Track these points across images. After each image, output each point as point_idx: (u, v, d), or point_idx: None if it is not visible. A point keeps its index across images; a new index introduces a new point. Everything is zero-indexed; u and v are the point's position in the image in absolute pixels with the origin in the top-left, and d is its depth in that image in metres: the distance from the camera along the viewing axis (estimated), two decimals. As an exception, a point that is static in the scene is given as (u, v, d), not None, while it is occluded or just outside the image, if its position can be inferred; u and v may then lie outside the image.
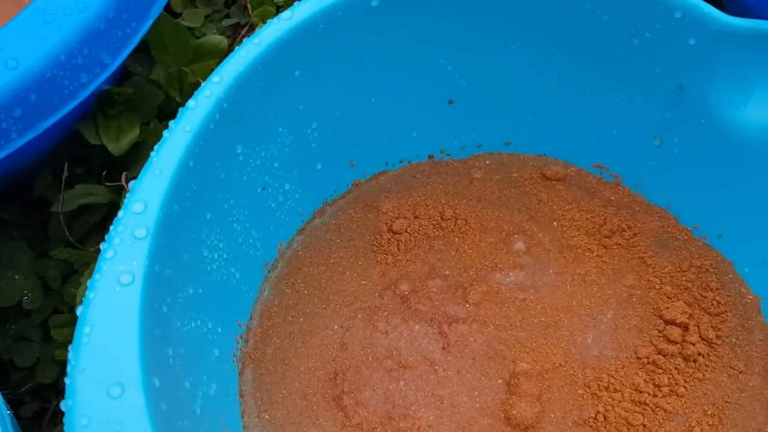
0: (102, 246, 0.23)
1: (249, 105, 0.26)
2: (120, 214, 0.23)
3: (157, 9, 0.29)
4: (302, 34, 0.26)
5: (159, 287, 0.23)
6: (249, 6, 0.42)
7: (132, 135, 0.37)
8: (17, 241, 0.37)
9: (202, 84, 0.25)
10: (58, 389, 0.37)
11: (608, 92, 0.32)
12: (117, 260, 0.22)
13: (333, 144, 0.32)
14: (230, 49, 0.42)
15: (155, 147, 0.24)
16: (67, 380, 0.21)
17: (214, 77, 0.25)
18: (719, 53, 0.28)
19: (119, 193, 0.37)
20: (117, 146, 0.36)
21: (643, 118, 0.32)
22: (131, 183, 0.24)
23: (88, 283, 0.22)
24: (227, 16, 0.43)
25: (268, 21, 0.26)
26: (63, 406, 0.21)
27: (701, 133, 0.30)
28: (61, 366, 0.36)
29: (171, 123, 0.24)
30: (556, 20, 0.30)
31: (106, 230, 0.38)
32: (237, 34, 0.42)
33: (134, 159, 0.38)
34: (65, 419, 0.21)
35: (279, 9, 0.42)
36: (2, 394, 0.26)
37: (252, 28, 0.42)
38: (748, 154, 0.29)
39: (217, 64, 0.40)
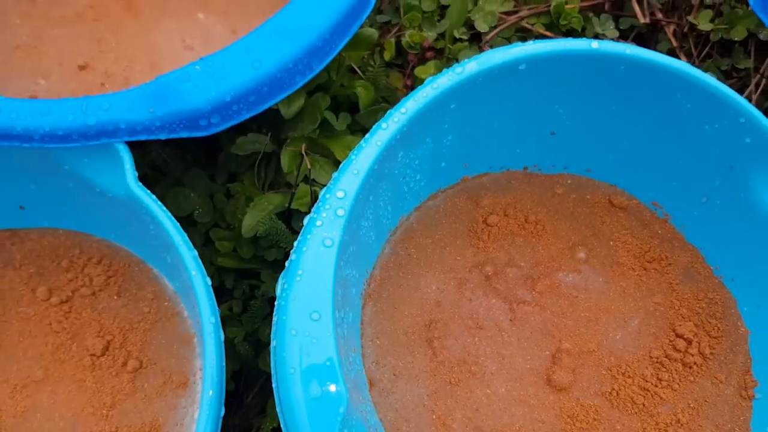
0: (311, 217, 0.33)
1: (416, 128, 0.36)
2: (326, 196, 0.33)
3: (356, 28, 0.39)
4: (466, 83, 0.36)
5: (343, 249, 0.33)
6: (401, 8, 0.51)
7: (299, 103, 0.47)
8: (198, 169, 0.48)
9: (391, 110, 0.35)
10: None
11: (676, 155, 0.41)
12: (323, 228, 0.33)
13: (457, 150, 0.42)
14: (379, 40, 0.51)
15: (354, 151, 0.34)
16: (280, 302, 0.32)
17: (402, 108, 0.35)
18: (765, 152, 0.37)
19: (280, 146, 0.48)
20: (288, 111, 0.46)
21: (698, 180, 0.41)
22: (333, 174, 0.34)
23: (298, 240, 0.33)
24: (380, 11, 0.52)
25: (445, 70, 0.36)
26: (275, 318, 0.32)
27: (738, 203, 0.40)
28: (219, 270, 0.47)
29: (367, 136, 0.34)
30: (652, 99, 0.39)
31: (260, 170, 0.49)
32: (387, 30, 0.52)
33: (297, 120, 0.48)
34: (276, 329, 0.32)
35: (424, 14, 0.51)
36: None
37: (401, 28, 0.51)
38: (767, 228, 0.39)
39: (367, 51, 0.49)
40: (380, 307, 0.41)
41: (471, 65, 0.36)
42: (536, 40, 0.37)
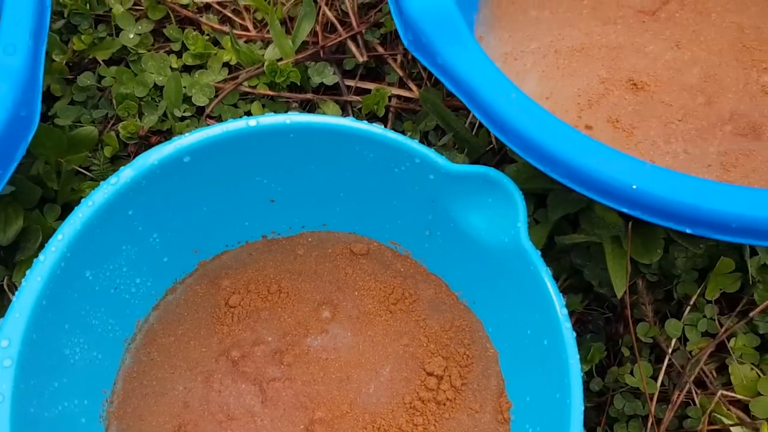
0: (-21, 373, 0.31)
1: (91, 246, 0.35)
2: (-10, 348, 0.32)
3: (20, 155, 0.37)
4: (128, 191, 0.35)
5: (25, 397, 0.32)
6: (114, 100, 0.49)
7: (17, 225, 0.45)
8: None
9: (49, 241, 0.33)
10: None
11: (388, 196, 0.41)
12: (-11, 386, 0.31)
13: (175, 242, 0.41)
14: (100, 136, 0.50)
15: (17, 292, 0.33)
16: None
17: (58, 235, 0.33)
18: (448, 184, 0.38)
19: (11, 274, 0.46)
20: (4, 237, 0.44)
21: (415, 216, 0.41)
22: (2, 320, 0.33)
23: (-30, 400, 0.31)
24: (96, 106, 0.50)
25: (102, 183, 0.34)
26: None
27: (451, 231, 0.40)
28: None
29: (27, 272, 0.33)
30: (339, 154, 0.39)
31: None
32: (107, 123, 0.50)
33: (23, 241, 0.45)
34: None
35: (142, 100, 0.50)
36: None
37: (119, 119, 0.49)
38: (479, 250, 0.39)
39: (89, 150, 0.48)
40: (126, 423, 0.39)
41: (126, 172, 0.35)
42: (194, 131, 0.36)
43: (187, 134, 0.36)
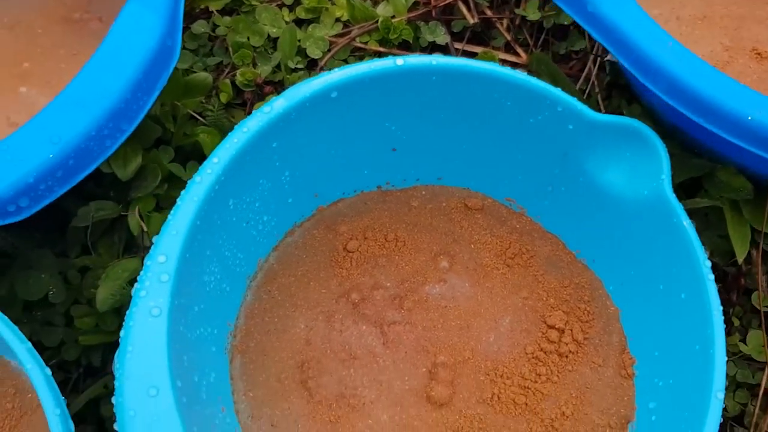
0: (136, 287, 0.32)
1: (239, 174, 0.35)
2: (148, 263, 0.32)
3: (162, 84, 0.37)
4: (278, 121, 0.35)
5: (177, 314, 0.32)
6: (230, 47, 0.50)
7: (136, 162, 0.45)
8: (43, 249, 0.45)
9: (205, 163, 0.34)
10: (78, 364, 0.46)
11: (514, 149, 0.41)
12: (148, 298, 0.31)
13: (301, 183, 0.41)
14: (214, 83, 0.50)
15: (172, 210, 0.33)
16: (116, 383, 0.30)
17: (214, 158, 0.34)
18: (589, 135, 0.38)
19: (126, 208, 0.46)
20: (124, 173, 0.45)
21: (539, 171, 0.41)
22: (154, 237, 0.33)
23: (127, 313, 0.31)
24: (211, 53, 0.51)
25: (254, 111, 0.35)
26: (114, 404, 0.30)
27: (579, 186, 0.40)
28: (83, 347, 0.45)
29: (182, 193, 0.33)
30: (476, 101, 0.39)
31: (112, 236, 0.47)
32: (221, 71, 0.50)
33: (139, 179, 0.46)
34: (116, 411, 0.30)
35: (256, 50, 0.50)
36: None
37: (234, 68, 0.50)
38: (611, 206, 0.39)
39: (203, 96, 0.48)
40: (249, 357, 0.40)
41: (279, 102, 0.35)
42: (343, 66, 0.36)
43: (336, 69, 0.36)
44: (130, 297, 0.41)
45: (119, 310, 0.44)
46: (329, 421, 0.38)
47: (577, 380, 0.40)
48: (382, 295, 0.42)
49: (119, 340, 0.31)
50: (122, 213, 0.46)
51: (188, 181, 0.33)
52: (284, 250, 0.43)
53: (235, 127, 0.35)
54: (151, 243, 0.43)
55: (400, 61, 0.36)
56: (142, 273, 0.32)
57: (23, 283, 0.44)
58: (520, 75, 0.37)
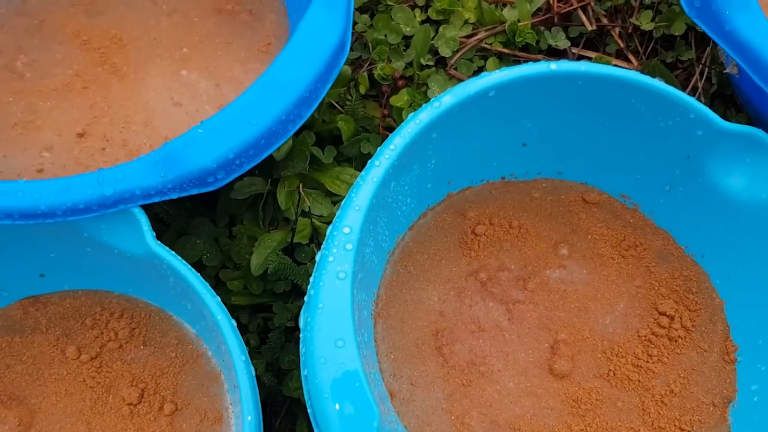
0: (323, 253, 0.37)
1: (404, 159, 0.40)
2: (335, 233, 0.37)
3: (335, 76, 0.42)
4: (444, 115, 0.40)
5: (354, 278, 0.37)
6: (369, 44, 0.54)
7: (288, 144, 0.50)
8: (201, 217, 0.51)
9: (380, 148, 0.38)
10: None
11: (638, 150, 0.45)
12: (335, 263, 0.36)
13: (441, 171, 0.46)
14: (353, 75, 0.55)
15: (352, 188, 0.38)
16: (306, 335, 0.35)
17: (390, 145, 0.38)
18: (715, 141, 0.42)
19: (274, 185, 0.51)
20: (279, 153, 0.50)
21: (660, 171, 0.46)
22: (335, 210, 0.38)
23: (314, 275, 0.36)
24: (351, 49, 0.56)
25: (424, 105, 0.39)
26: (302, 350, 0.35)
27: (698, 188, 0.44)
28: (232, 308, 0.50)
29: (362, 173, 0.38)
30: (609, 105, 0.43)
31: (256, 210, 0.52)
32: (360, 65, 0.55)
33: (288, 160, 0.51)
34: (305, 359, 0.35)
35: (391, 47, 0.55)
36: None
37: (372, 62, 0.55)
38: (727, 207, 0.43)
39: (343, 87, 0.53)
40: (390, 323, 0.45)
41: (447, 98, 0.40)
42: (502, 68, 0.41)
43: (496, 71, 0.40)
44: (282, 262, 0.46)
45: (264, 276, 0.50)
46: (462, 384, 0.43)
47: (685, 362, 0.44)
48: (507, 276, 0.47)
49: (307, 299, 0.36)
50: (269, 189, 0.51)
51: (368, 162, 0.38)
52: (418, 230, 0.48)
53: (408, 117, 0.39)
54: (296, 219, 0.49)
55: (553, 65, 0.40)
56: (327, 241, 0.37)
57: (181, 247, 0.50)
58: (659, 83, 0.41)
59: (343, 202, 0.38)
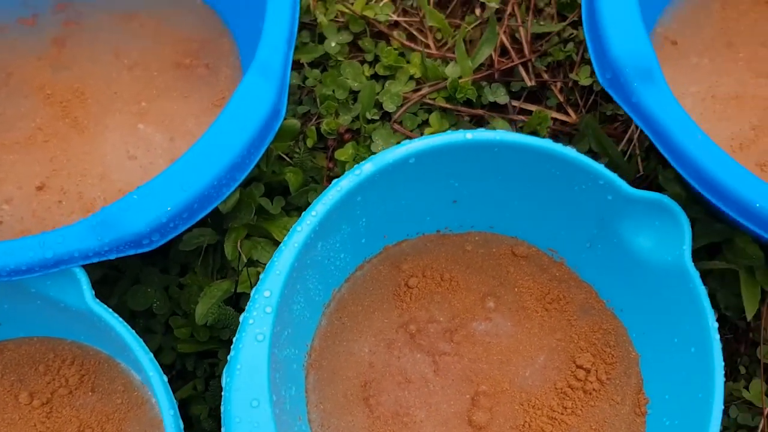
0: (244, 315, 0.39)
1: (329, 222, 0.42)
2: (256, 296, 0.39)
3: (269, 140, 0.45)
4: (365, 182, 0.42)
5: (276, 338, 0.40)
6: (318, 99, 0.57)
7: (234, 198, 0.53)
8: (149, 267, 0.54)
9: (303, 214, 0.41)
10: (172, 368, 0.54)
11: (559, 209, 0.48)
12: (255, 326, 0.39)
13: (374, 227, 0.49)
14: (302, 129, 0.58)
15: (276, 252, 0.40)
16: (225, 394, 0.38)
17: (312, 211, 0.41)
18: (624, 206, 0.44)
19: (224, 234, 0.54)
20: (225, 206, 0.52)
21: (580, 229, 0.48)
22: (266, 264, 0.40)
23: (236, 337, 0.39)
24: (300, 102, 0.58)
25: (347, 172, 0.42)
26: (222, 408, 0.38)
27: (613, 247, 0.47)
28: (178, 354, 0.53)
29: (285, 239, 0.41)
30: (528, 169, 0.46)
31: (208, 259, 0.54)
32: (309, 119, 0.58)
33: (235, 212, 0.54)
34: (224, 417, 0.38)
35: (339, 102, 0.58)
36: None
37: (320, 116, 0.57)
38: (639, 266, 0.46)
39: (292, 140, 0.56)
40: (321, 375, 0.47)
41: (367, 166, 0.42)
42: (421, 137, 0.43)
43: (415, 140, 0.43)
44: (223, 313, 0.49)
45: (211, 325, 0.52)
46: (386, 432, 0.46)
47: (598, 414, 0.46)
48: (435, 328, 0.49)
49: (228, 359, 0.39)
50: (218, 239, 0.54)
51: (291, 228, 0.41)
52: (354, 282, 0.50)
53: (331, 183, 0.42)
54: (242, 267, 0.51)
55: (469, 135, 0.43)
56: (249, 304, 0.40)
57: (132, 295, 0.53)
58: (570, 151, 0.43)
59: (267, 265, 0.41)
